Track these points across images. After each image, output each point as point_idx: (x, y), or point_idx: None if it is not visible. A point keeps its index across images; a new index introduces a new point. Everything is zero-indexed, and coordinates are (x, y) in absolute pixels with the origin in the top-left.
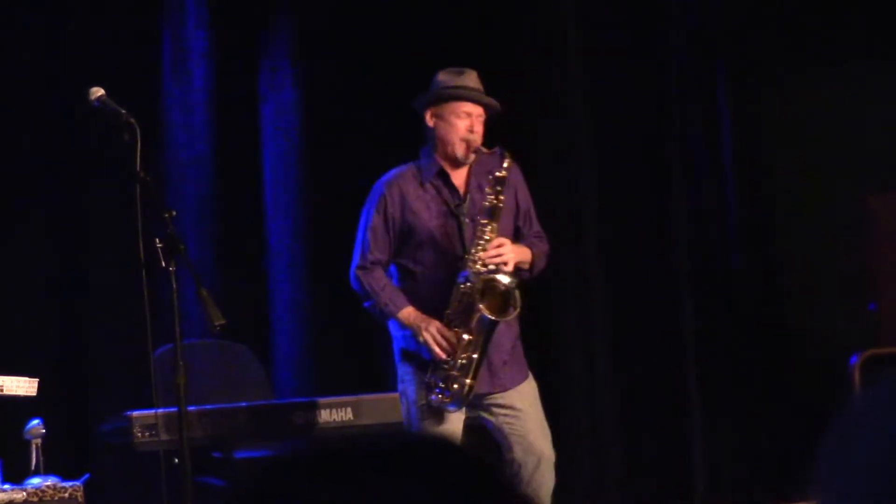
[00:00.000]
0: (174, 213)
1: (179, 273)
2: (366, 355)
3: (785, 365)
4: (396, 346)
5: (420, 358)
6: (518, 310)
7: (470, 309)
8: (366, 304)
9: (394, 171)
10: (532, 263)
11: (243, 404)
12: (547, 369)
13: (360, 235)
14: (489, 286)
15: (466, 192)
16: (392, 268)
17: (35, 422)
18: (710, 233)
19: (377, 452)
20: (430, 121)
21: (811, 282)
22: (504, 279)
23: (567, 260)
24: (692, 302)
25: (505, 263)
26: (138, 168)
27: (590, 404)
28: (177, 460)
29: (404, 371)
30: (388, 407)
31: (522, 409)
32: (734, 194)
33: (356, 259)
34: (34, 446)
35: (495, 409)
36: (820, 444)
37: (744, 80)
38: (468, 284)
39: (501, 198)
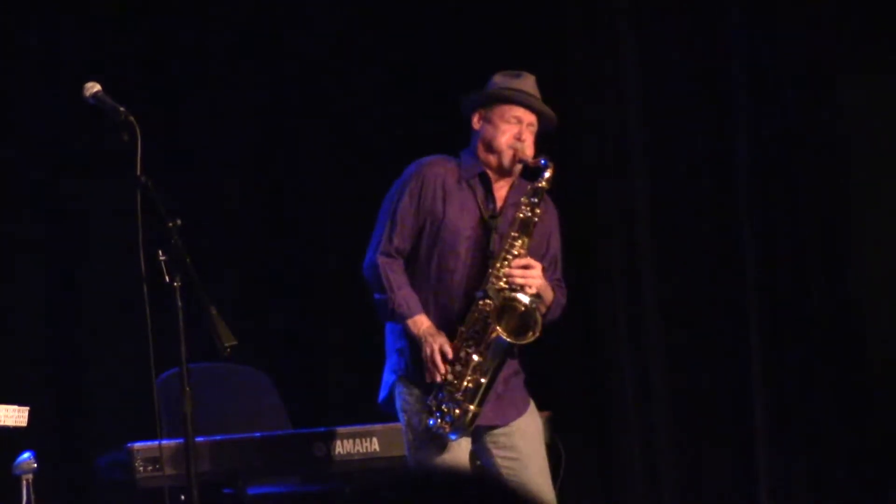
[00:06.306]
0: (179, 221)
1: (185, 289)
2: None
3: (861, 391)
4: (394, 357)
5: (421, 375)
6: (537, 335)
7: (485, 328)
8: (376, 297)
9: (435, 157)
10: (549, 306)
11: (257, 435)
12: (597, 390)
13: (383, 217)
14: (508, 306)
15: (504, 206)
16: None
17: (26, 455)
18: (779, 248)
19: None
20: (476, 123)
21: (888, 294)
22: (525, 298)
23: (619, 261)
24: (758, 319)
25: (529, 287)
26: (139, 171)
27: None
28: (183, 497)
29: (403, 388)
30: None
31: (524, 454)
32: (806, 202)
33: (379, 242)
34: (25, 482)
35: (496, 451)
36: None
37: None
38: (486, 301)
39: (538, 210)
